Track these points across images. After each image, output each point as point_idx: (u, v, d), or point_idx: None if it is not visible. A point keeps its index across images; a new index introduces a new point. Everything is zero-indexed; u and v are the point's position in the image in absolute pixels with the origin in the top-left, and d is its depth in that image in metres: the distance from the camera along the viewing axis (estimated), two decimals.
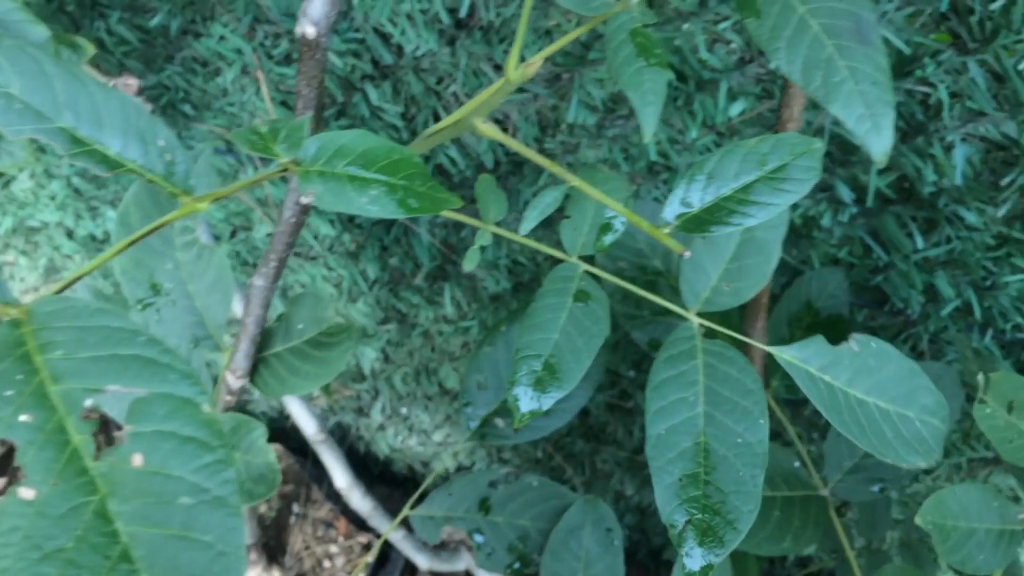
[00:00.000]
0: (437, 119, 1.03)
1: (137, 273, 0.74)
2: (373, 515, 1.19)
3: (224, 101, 1.07)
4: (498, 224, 0.57)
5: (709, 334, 0.59)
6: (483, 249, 0.56)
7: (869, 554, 1.12)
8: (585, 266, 0.58)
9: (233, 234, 1.28)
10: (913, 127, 0.90)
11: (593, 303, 0.56)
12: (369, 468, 1.78)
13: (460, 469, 1.70)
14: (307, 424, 1.08)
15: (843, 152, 0.95)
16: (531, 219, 0.48)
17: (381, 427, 1.66)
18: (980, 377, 0.69)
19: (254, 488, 0.75)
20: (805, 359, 0.59)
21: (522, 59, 0.48)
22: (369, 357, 1.43)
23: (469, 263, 0.56)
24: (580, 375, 0.55)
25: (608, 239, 0.56)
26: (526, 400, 0.54)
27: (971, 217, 0.95)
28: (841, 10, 0.44)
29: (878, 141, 0.43)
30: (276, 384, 0.75)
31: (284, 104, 1.05)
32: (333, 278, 1.30)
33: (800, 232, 1.05)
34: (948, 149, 0.91)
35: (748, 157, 0.46)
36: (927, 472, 1.32)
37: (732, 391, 0.55)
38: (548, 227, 1.10)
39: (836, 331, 1.03)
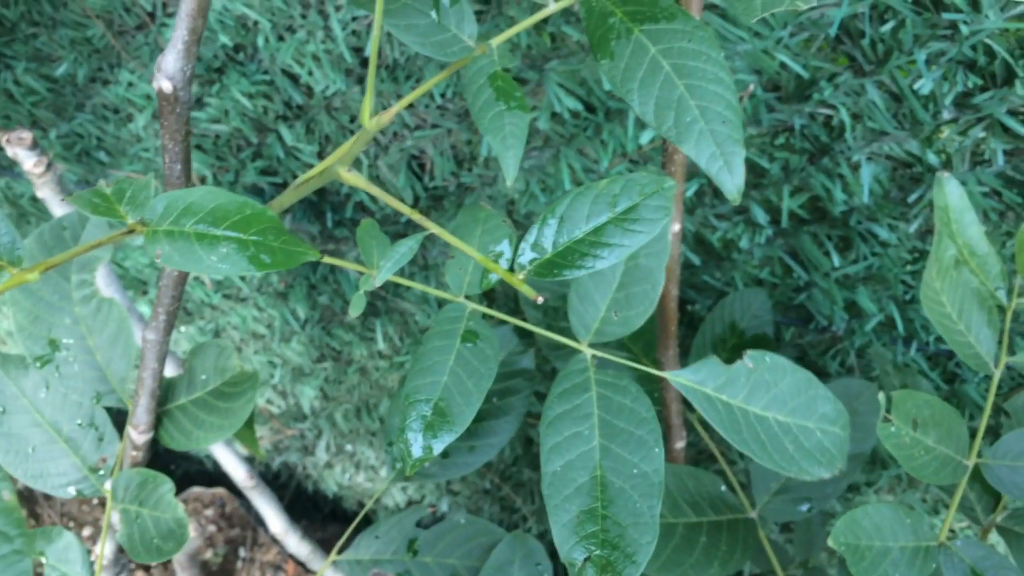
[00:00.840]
0: None
1: (34, 329, 0.73)
2: (312, 559, 1.18)
3: (139, 147, 1.06)
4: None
5: (603, 364, 0.59)
6: (367, 295, 0.55)
7: (807, 572, 1.12)
8: (472, 305, 0.58)
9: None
10: (819, 148, 0.91)
11: (482, 343, 0.56)
12: (319, 506, 1.76)
13: (411, 503, 1.68)
14: (236, 470, 1.06)
15: (755, 175, 0.96)
16: (386, 270, 0.47)
17: (328, 465, 1.65)
18: (881, 396, 0.70)
19: (163, 545, 0.73)
20: (700, 381, 0.60)
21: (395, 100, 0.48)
22: (308, 396, 1.42)
23: (354, 310, 0.55)
24: (471, 416, 0.54)
25: (495, 277, 0.56)
26: (417, 446, 0.53)
27: (884, 233, 0.96)
28: (692, 51, 0.45)
29: (730, 179, 0.43)
30: (181, 437, 0.74)
31: (199, 147, 1.04)
32: (264, 319, 1.29)
33: (721, 255, 1.05)
34: (855, 168, 0.92)
35: (599, 199, 0.46)
36: (868, 484, 1.32)
37: (627, 421, 0.55)
38: None
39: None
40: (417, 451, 0.53)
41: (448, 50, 0.49)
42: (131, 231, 0.43)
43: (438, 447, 0.53)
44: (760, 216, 0.98)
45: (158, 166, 1.08)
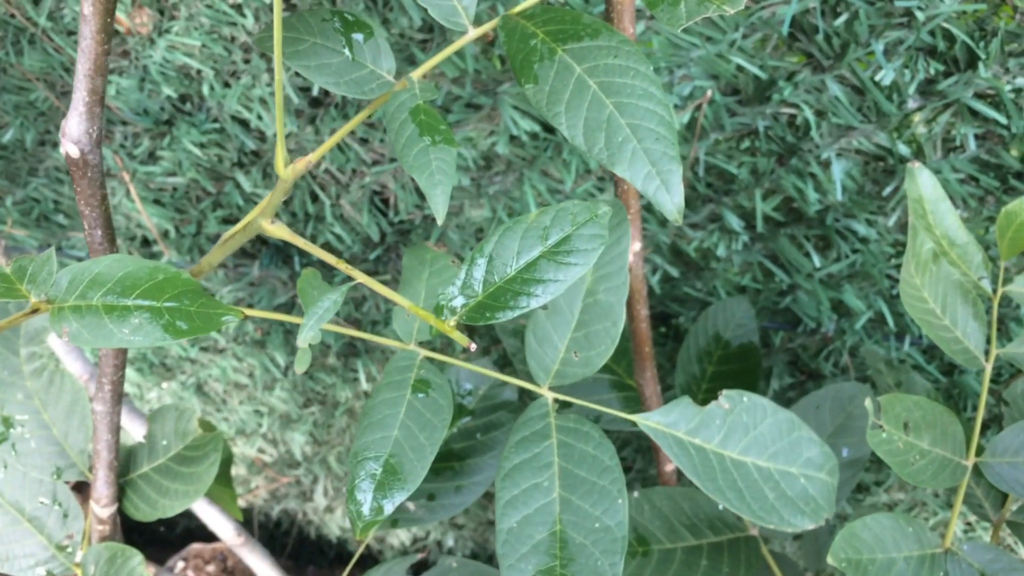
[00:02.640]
0: (315, 199, 1.00)
1: None
2: None
3: None
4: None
5: (564, 407, 0.56)
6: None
7: None
8: (424, 352, 0.55)
9: None
10: (786, 149, 0.89)
11: (434, 391, 0.53)
12: (324, 551, 1.73)
13: (416, 541, 1.65)
14: (222, 529, 1.03)
15: (723, 181, 0.93)
16: (309, 327, 0.45)
17: (328, 509, 1.61)
18: (868, 402, 0.67)
19: None
20: (671, 424, 0.56)
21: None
22: (299, 442, 1.39)
23: (299, 365, 0.52)
24: (423, 472, 0.51)
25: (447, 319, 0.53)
26: (367, 506, 0.50)
27: (863, 229, 0.94)
28: (619, 67, 0.42)
29: (668, 199, 0.41)
30: (146, 507, 0.71)
31: (157, 202, 1.02)
32: (244, 368, 1.26)
33: (699, 264, 1.02)
34: (826, 166, 0.89)
35: (529, 233, 0.43)
36: (878, 484, 1.29)
37: (589, 471, 0.52)
38: None
39: (750, 361, 1.00)
40: (368, 512, 0.50)
41: (366, 87, 0.46)
42: (35, 311, 0.40)
43: (389, 507, 0.50)
44: (734, 222, 0.95)
45: (119, 224, 1.06)
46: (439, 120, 0.44)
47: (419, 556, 0.90)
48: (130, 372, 1.27)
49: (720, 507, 0.90)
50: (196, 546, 1.58)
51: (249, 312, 0.42)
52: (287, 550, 1.73)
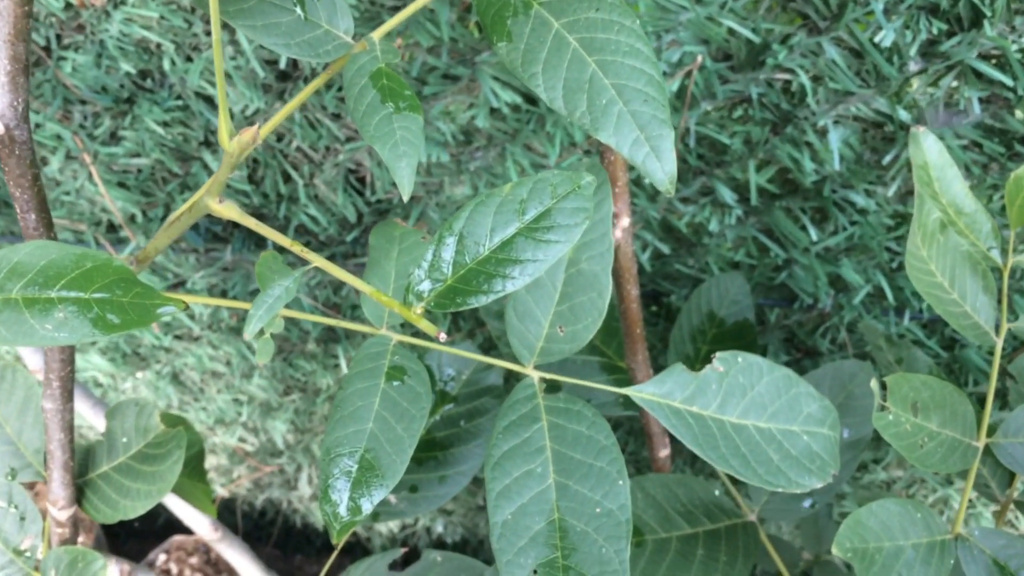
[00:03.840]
0: (287, 179, 0.95)
1: None
2: None
3: (59, 191, 0.98)
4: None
5: (553, 387, 0.52)
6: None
7: (820, 567, 1.06)
8: (397, 337, 0.51)
9: None
10: (781, 117, 0.84)
11: (410, 379, 0.49)
12: (311, 540, 1.69)
13: (404, 528, 1.62)
14: (198, 524, 0.99)
15: (715, 152, 0.89)
16: (257, 319, 0.40)
17: (313, 497, 1.58)
18: (873, 383, 0.63)
19: None
20: (666, 394, 0.52)
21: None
22: (280, 430, 1.35)
23: (261, 356, 0.48)
24: (403, 466, 0.47)
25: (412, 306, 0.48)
26: (344, 506, 0.46)
27: (861, 200, 0.89)
28: (601, 21, 0.38)
29: (659, 167, 0.36)
30: (107, 508, 0.66)
31: (121, 184, 0.97)
32: (221, 356, 1.21)
33: (691, 240, 0.98)
34: (822, 134, 0.85)
35: (504, 207, 0.38)
36: (876, 462, 1.26)
37: (584, 452, 0.48)
38: None
39: (745, 339, 0.96)
40: (344, 512, 0.46)
41: (320, 49, 0.42)
42: None
43: (367, 506, 0.46)
44: (727, 195, 0.91)
45: (83, 209, 1.01)
46: (403, 85, 0.40)
47: (402, 551, 0.86)
48: (102, 362, 1.23)
49: (716, 492, 0.86)
50: (178, 538, 1.54)
51: (190, 299, 0.38)
52: (273, 539, 1.69)
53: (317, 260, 0.40)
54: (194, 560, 1.54)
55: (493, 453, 0.48)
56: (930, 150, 0.70)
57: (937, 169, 0.70)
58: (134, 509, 0.66)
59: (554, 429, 0.49)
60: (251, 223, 0.41)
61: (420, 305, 0.39)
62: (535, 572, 0.46)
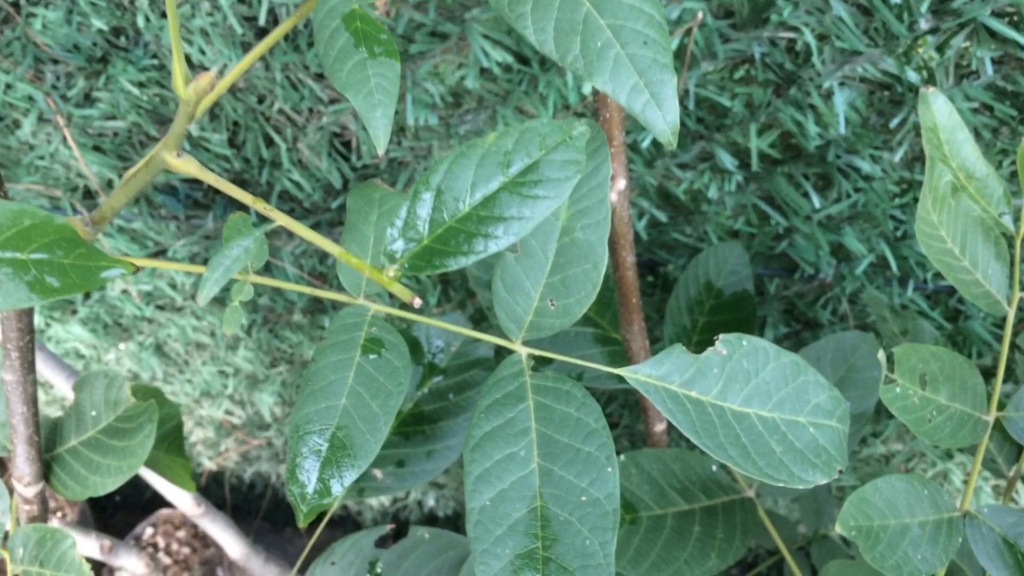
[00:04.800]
0: (270, 143, 0.92)
1: None
2: None
3: (32, 155, 0.95)
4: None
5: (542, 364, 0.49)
6: (243, 304, 0.45)
7: (819, 543, 1.03)
8: (375, 307, 0.47)
9: (87, 296, 1.16)
10: (785, 78, 0.81)
11: (388, 352, 0.45)
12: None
13: (395, 502, 1.59)
14: (180, 499, 0.96)
15: (715, 115, 0.85)
16: (212, 281, 0.37)
17: None
18: (881, 355, 0.60)
19: None
20: (663, 376, 0.49)
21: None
22: (267, 403, 1.32)
23: (229, 326, 0.45)
24: (378, 445, 0.44)
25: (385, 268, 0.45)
26: (312, 487, 0.43)
27: (866, 166, 0.86)
28: None
29: (659, 116, 0.33)
30: (75, 485, 0.63)
31: (97, 148, 0.93)
32: (205, 327, 1.18)
33: (689, 208, 0.95)
34: (827, 97, 0.81)
35: (487, 160, 0.35)
36: (875, 435, 1.23)
37: (572, 436, 0.45)
38: None
39: (744, 310, 0.93)
40: (312, 493, 0.42)
41: None
42: None
43: (337, 487, 0.43)
44: (727, 161, 0.87)
45: (58, 174, 0.97)
46: (378, 28, 0.36)
47: (389, 527, 0.83)
48: (83, 333, 1.19)
49: (714, 468, 0.83)
50: (165, 512, 1.51)
51: (140, 262, 0.35)
52: (262, 512, 1.67)
53: (282, 219, 0.36)
54: (181, 534, 1.52)
55: (474, 434, 0.45)
56: (940, 112, 0.67)
57: (947, 132, 0.67)
58: (104, 485, 0.63)
59: (540, 410, 0.46)
60: (210, 178, 0.38)
61: (393, 267, 0.35)
62: (512, 564, 0.43)
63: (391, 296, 1.04)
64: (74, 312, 1.19)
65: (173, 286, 1.11)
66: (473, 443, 0.45)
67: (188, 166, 0.38)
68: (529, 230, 0.34)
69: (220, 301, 1.12)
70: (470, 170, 0.35)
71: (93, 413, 0.63)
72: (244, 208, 0.99)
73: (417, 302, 0.34)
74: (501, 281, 0.48)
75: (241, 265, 0.36)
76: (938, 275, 0.97)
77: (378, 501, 1.60)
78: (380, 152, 0.34)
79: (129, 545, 0.98)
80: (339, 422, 0.44)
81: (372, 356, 0.45)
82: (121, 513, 1.66)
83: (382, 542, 0.84)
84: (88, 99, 0.89)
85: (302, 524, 0.43)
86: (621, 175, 0.55)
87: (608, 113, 0.53)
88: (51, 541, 0.64)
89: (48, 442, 0.64)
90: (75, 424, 0.63)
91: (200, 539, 1.53)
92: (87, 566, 0.63)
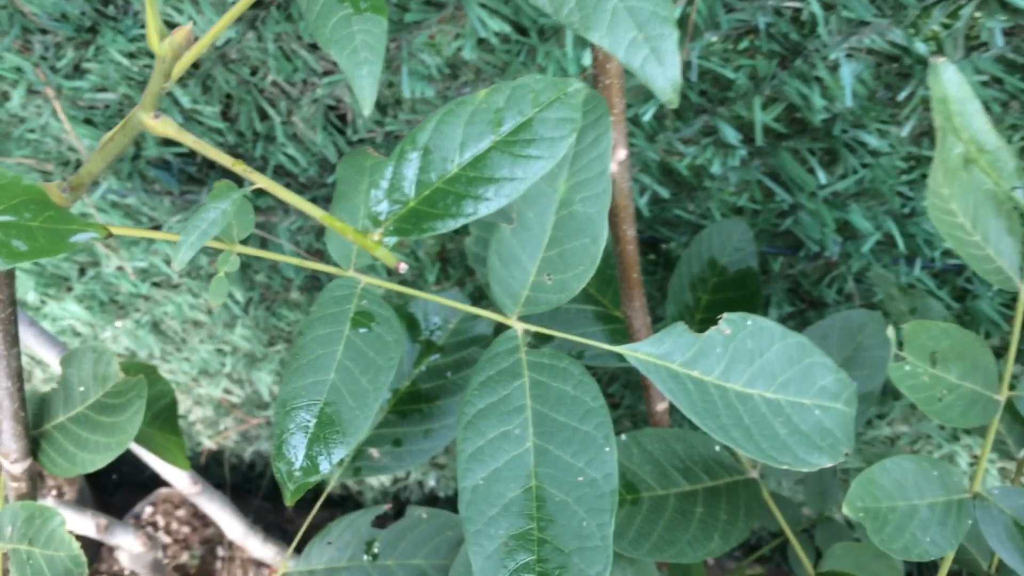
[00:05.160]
0: (264, 116, 0.90)
1: None
2: (278, 561, 1.07)
3: (23, 128, 0.93)
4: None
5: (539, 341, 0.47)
6: (229, 276, 0.43)
7: (823, 525, 1.02)
8: (365, 279, 0.46)
9: (82, 273, 1.15)
10: (790, 49, 0.79)
11: (379, 326, 0.44)
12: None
13: (396, 482, 1.58)
14: (177, 478, 0.95)
15: (719, 88, 0.83)
16: (188, 245, 0.35)
17: None
18: (890, 331, 0.58)
19: None
20: (664, 355, 0.47)
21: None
22: (265, 382, 1.31)
23: (215, 297, 0.43)
24: (367, 421, 0.42)
25: (393, 240, 0.43)
26: (300, 464, 0.42)
27: (873, 141, 0.84)
28: None
29: (660, 72, 0.31)
30: (64, 462, 0.62)
31: (88, 121, 0.91)
32: (202, 305, 1.17)
33: (692, 184, 0.93)
34: (834, 69, 0.79)
35: (477, 118, 0.33)
36: (880, 417, 1.22)
37: (568, 414, 0.43)
38: None
39: (748, 288, 0.92)
40: (299, 471, 0.41)
41: None
42: None
43: (325, 465, 0.41)
44: (731, 135, 0.85)
45: (49, 147, 0.95)
46: None
47: (387, 507, 0.82)
48: (78, 310, 1.18)
49: (717, 448, 0.82)
50: (164, 491, 1.50)
51: (116, 231, 0.33)
52: (262, 492, 1.66)
53: (262, 181, 0.35)
54: (181, 513, 1.51)
55: (467, 411, 0.44)
56: (950, 82, 0.65)
57: (957, 103, 0.65)
58: (93, 462, 0.61)
59: (536, 387, 0.45)
60: (189, 140, 0.36)
61: (378, 231, 0.33)
62: (506, 545, 0.42)
63: (389, 273, 1.03)
64: (69, 289, 1.17)
65: (168, 263, 1.09)
66: (466, 421, 0.43)
67: (166, 127, 0.37)
68: (521, 192, 0.32)
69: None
70: (459, 128, 0.33)
71: (81, 388, 0.61)
72: (239, 183, 0.97)
73: (403, 267, 0.33)
74: (497, 254, 0.47)
75: (218, 229, 0.34)
76: (946, 253, 0.95)
77: (378, 481, 1.59)
78: (366, 112, 0.32)
79: (125, 523, 0.97)
80: (327, 398, 0.42)
81: (362, 330, 0.44)
82: (121, 492, 1.65)
83: (381, 522, 0.82)
84: (78, 71, 0.87)
85: (289, 502, 0.42)
86: (622, 145, 0.54)
87: (608, 80, 0.51)
88: (40, 519, 0.62)
89: (36, 418, 0.63)
90: (63, 400, 0.62)
91: (200, 518, 1.52)
92: (77, 544, 0.62)
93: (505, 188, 0.32)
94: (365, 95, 0.33)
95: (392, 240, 0.33)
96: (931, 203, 0.60)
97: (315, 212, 0.35)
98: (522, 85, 0.33)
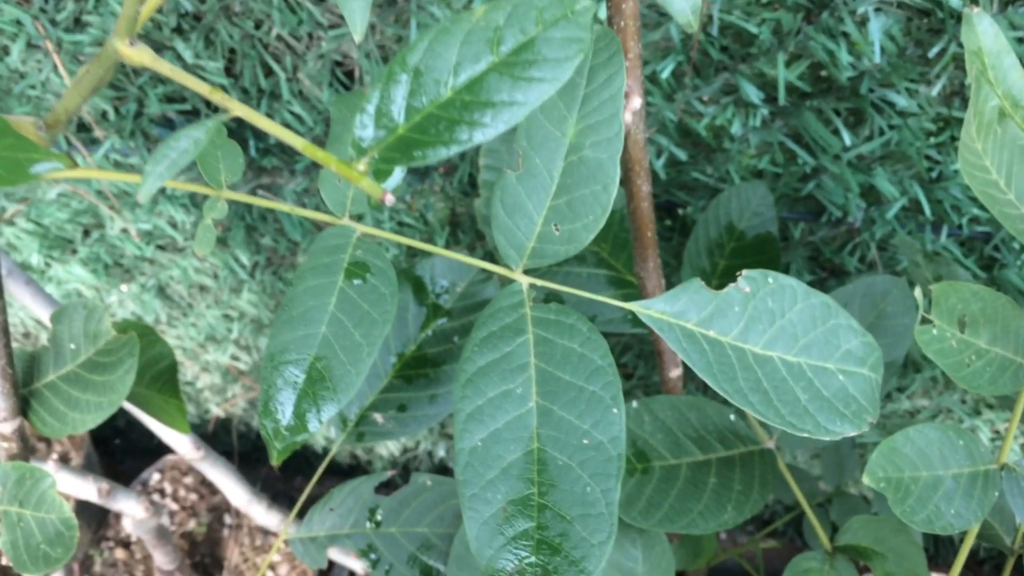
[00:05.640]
0: (268, 72, 0.87)
1: None
2: (283, 528, 1.05)
3: (24, 84, 0.91)
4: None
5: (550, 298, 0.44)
6: (216, 223, 0.41)
7: (839, 499, 0.99)
8: (361, 228, 0.43)
9: (86, 235, 1.13)
10: (816, 3, 0.75)
11: (374, 277, 0.41)
12: (311, 462, 1.65)
13: (405, 452, 1.57)
14: (178, 442, 0.93)
15: (741, 44, 0.80)
16: (155, 175, 0.32)
17: None
18: (918, 292, 0.55)
19: (50, 552, 0.61)
20: (679, 313, 0.45)
21: None
22: None
23: (201, 246, 0.41)
24: (360, 377, 0.40)
25: (390, 183, 0.41)
26: (287, 422, 0.39)
27: (902, 100, 0.80)
28: None
29: None
30: (54, 421, 0.60)
31: None
32: (208, 269, 1.14)
33: (710, 145, 0.90)
34: (862, 23, 0.76)
35: (473, 37, 0.30)
36: (900, 390, 1.18)
37: (574, 373, 0.41)
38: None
39: (766, 254, 0.89)
40: (286, 429, 0.38)
41: None
42: None
43: (314, 423, 0.39)
44: (752, 94, 0.82)
45: (50, 104, 0.93)
46: None
47: (390, 473, 0.80)
48: (84, 273, 1.16)
49: (732, 417, 0.79)
50: (172, 457, 1.49)
51: (93, 173, 0.30)
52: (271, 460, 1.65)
53: (239, 108, 0.32)
54: (188, 480, 1.50)
55: (466, 368, 0.41)
56: (985, 34, 0.61)
57: (992, 56, 0.61)
58: (84, 422, 0.59)
59: (541, 344, 0.42)
60: (164, 68, 0.33)
61: (363, 160, 0.31)
62: (504, 511, 0.39)
63: (400, 224, 1.00)
64: (74, 252, 1.15)
65: (173, 225, 1.07)
66: (465, 378, 0.41)
67: (141, 56, 0.34)
68: (521, 117, 0.29)
69: (222, 241, 1.08)
70: (454, 48, 0.30)
71: (72, 346, 0.59)
72: (242, 143, 0.94)
73: (389, 199, 0.30)
74: (501, 203, 0.44)
75: (189, 158, 0.32)
76: (974, 220, 0.91)
77: (387, 450, 1.57)
78: (358, 39, 0.29)
79: (128, 489, 0.96)
80: (318, 352, 0.40)
81: (356, 281, 0.41)
82: (130, 459, 1.64)
83: (387, 490, 0.80)
84: (78, 24, 0.84)
85: (275, 461, 0.39)
86: (636, 93, 0.51)
87: (623, 21, 0.48)
88: (31, 480, 0.61)
89: (26, 376, 0.61)
90: (53, 357, 0.60)
91: (207, 485, 1.51)
92: (68, 507, 0.60)
93: (504, 113, 0.29)
94: (356, 20, 0.31)
95: (383, 167, 0.30)
96: (963, 158, 0.57)
97: (296, 142, 0.32)
98: (524, 2, 0.30)
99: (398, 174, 0.30)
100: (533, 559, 0.38)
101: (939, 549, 1.36)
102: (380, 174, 0.30)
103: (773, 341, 0.46)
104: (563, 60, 0.29)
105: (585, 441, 0.40)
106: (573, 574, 0.38)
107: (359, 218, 0.44)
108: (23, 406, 0.60)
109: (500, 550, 0.38)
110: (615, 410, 0.40)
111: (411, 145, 0.30)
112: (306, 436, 0.39)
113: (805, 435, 0.45)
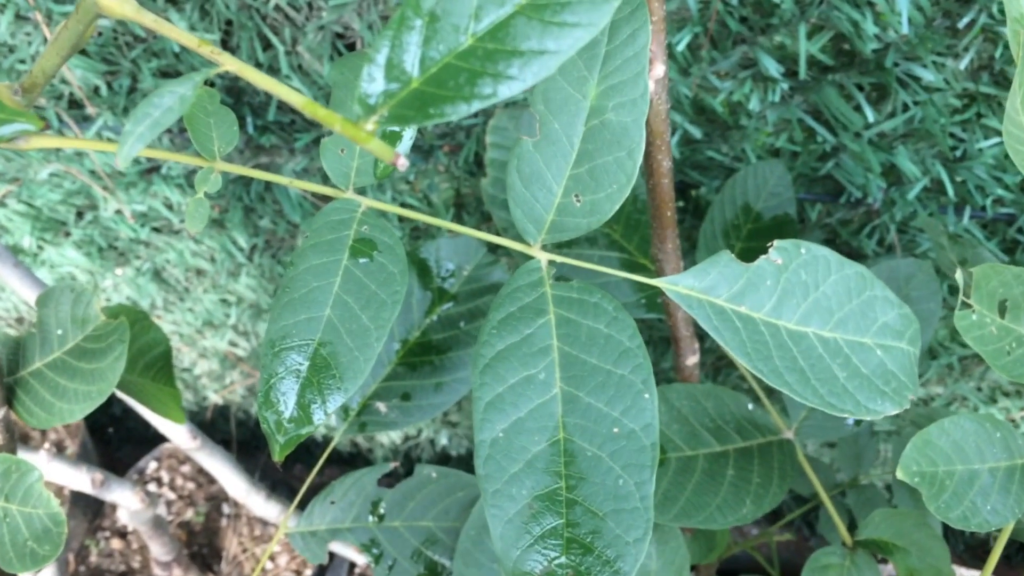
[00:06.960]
0: (267, 46, 0.83)
1: None
2: (282, 519, 1.02)
3: (13, 58, 0.87)
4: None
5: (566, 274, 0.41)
6: (210, 197, 0.37)
7: (857, 492, 0.96)
8: (367, 202, 0.40)
9: (80, 216, 1.09)
10: None
11: (382, 255, 0.38)
12: (311, 450, 1.62)
13: (407, 440, 1.54)
14: (175, 433, 0.90)
15: (761, 14, 0.76)
16: (136, 136, 0.28)
17: None
18: (959, 275, 0.52)
19: (37, 548, 0.57)
20: (708, 288, 0.41)
21: None
22: None
23: (192, 223, 0.37)
24: (368, 364, 0.37)
25: (403, 146, 0.37)
26: (290, 413, 0.36)
27: (928, 75, 0.77)
28: None
29: None
30: (40, 411, 0.57)
31: (81, 52, 0.85)
32: (204, 252, 1.11)
33: (727, 123, 0.86)
34: None
35: None
36: None
37: (601, 356, 0.37)
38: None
39: (784, 235, 0.85)
40: (289, 421, 0.35)
41: None
42: None
43: (319, 414, 0.35)
44: (772, 67, 0.78)
45: None
46: None
47: (392, 465, 0.77)
48: (78, 256, 1.13)
49: (750, 406, 0.76)
50: (169, 445, 1.46)
51: (74, 143, 0.27)
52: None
53: (230, 62, 0.29)
54: (185, 468, 1.47)
55: (484, 353, 0.38)
56: None
57: None
58: (71, 412, 0.56)
59: (564, 325, 0.39)
60: (148, 20, 0.30)
61: (372, 119, 0.27)
62: (530, 507, 0.36)
63: (403, 206, 0.96)
64: (67, 234, 1.12)
65: (169, 206, 1.03)
66: (483, 364, 0.37)
67: (123, 6, 0.31)
68: (554, 68, 0.26)
69: (219, 223, 1.05)
70: None
71: (59, 332, 0.56)
72: (240, 122, 0.91)
73: (402, 162, 0.26)
74: (517, 173, 0.40)
75: (173, 118, 0.28)
76: (997, 201, 0.88)
77: (388, 439, 1.54)
78: None
79: (122, 479, 0.93)
80: (322, 337, 0.37)
81: (363, 260, 0.38)
82: (127, 447, 1.61)
83: (389, 481, 0.77)
84: None
85: (278, 457, 0.36)
86: (660, 59, 0.47)
87: None
88: (16, 473, 0.57)
89: (11, 364, 0.58)
90: (39, 344, 0.56)
91: (205, 474, 1.48)
92: (56, 502, 0.57)
93: (533, 64, 0.26)
94: None
95: (394, 127, 0.27)
96: (1007, 131, 0.53)
97: (295, 99, 0.29)
98: None
99: (409, 136, 0.27)
100: (563, 559, 0.35)
101: (947, 540, 1.33)
102: (390, 137, 0.26)
103: (808, 316, 0.43)
104: (600, 2, 0.26)
105: (615, 430, 0.36)
106: (607, 575, 0.34)
107: (362, 192, 0.41)
108: (8, 395, 0.57)
109: (527, 550, 0.35)
110: (647, 395, 0.37)
111: (426, 101, 0.26)
112: (311, 429, 0.36)
113: (847, 415, 0.42)
